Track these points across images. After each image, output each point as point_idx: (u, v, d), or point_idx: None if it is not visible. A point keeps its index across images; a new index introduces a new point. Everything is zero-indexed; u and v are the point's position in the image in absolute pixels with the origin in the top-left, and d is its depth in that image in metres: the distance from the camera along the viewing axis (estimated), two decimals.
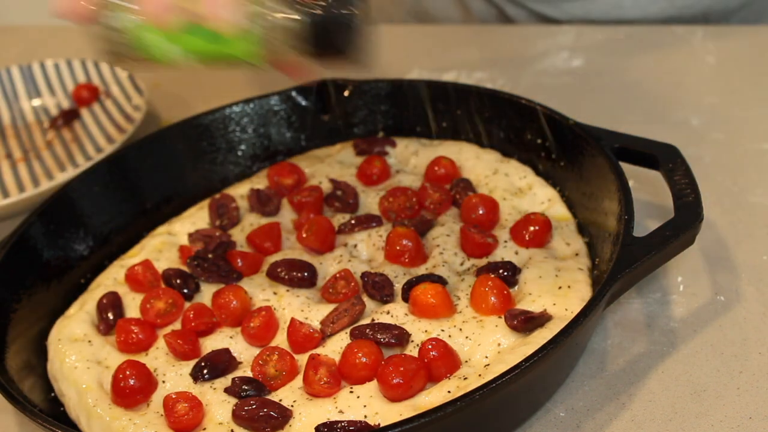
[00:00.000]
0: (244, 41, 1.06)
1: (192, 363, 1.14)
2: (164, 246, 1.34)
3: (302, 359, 1.11)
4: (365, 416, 1.02)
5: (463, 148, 1.41)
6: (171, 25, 1.04)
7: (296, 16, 1.03)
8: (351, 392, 1.05)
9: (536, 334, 1.08)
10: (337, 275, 1.21)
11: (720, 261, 1.25)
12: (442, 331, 1.10)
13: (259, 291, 1.23)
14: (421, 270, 1.22)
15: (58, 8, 1.07)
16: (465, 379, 1.04)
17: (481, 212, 1.27)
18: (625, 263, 1.05)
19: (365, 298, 1.18)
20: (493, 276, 1.16)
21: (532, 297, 1.14)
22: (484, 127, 1.42)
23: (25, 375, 1.18)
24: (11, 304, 1.23)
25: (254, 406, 1.04)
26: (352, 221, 1.31)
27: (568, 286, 1.14)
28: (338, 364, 1.08)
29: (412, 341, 1.10)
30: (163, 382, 1.13)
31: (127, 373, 1.11)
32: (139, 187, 1.44)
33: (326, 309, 1.17)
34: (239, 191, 1.43)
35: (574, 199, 1.29)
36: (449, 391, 1.02)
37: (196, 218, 1.39)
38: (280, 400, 1.06)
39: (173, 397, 1.08)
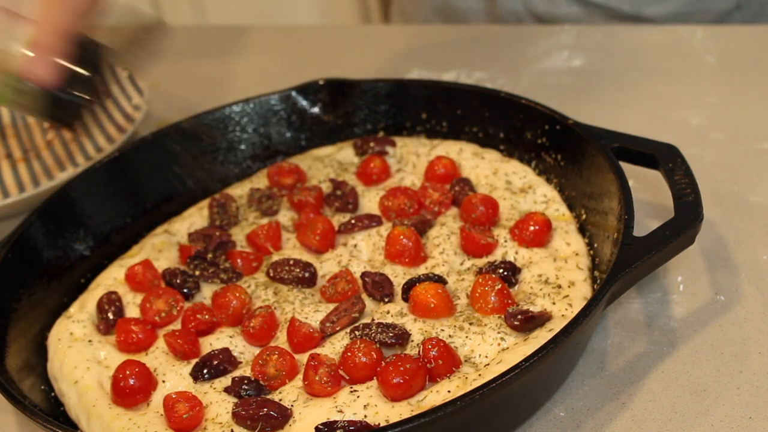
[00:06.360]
0: None
1: (192, 363, 1.14)
2: (164, 246, 1.34)
3: (302, 359, 1.11)
4: (365, 416, 1.02)
5: (463, 148, 1.41)
6: None
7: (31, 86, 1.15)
8: (351, 392, 1.05)
9: (536, 334, 1.08)
10: (337, 275, 1.21)
11: (720, 261, 1.25)
12: (442, 330, 1.10)
13: (259, 291, 1.23)
14: (421, 270, 1.22)
15: None
16: (465, 378, 1.04)
17: (481, 212, 1.27)
18: (625, 263, 1.05)
19: (365, 298, 1.18)
20: (493, 276, 1.16)
21: (532, 297, 1.14)
22: (484, 127, 1.42)
23: (25, 375, 1.18)
24: (11, 303, 1.23)
25: (254, 406, 1.04)
26: (352, 221, 1.30)
27: (568, 286, 1.14)
28: (338, 364, 1.08)
29: (412, 341, 1.10)
30: (163, 381, 1.13)
31: (127, 372, 1.11)
32: (139, 187, 1.44)
33: (326, 309, 1.17)
34: (239, 191, 1.43)
35: (574, 198, 1.29)
36: (449, 391, 1.02)
37: (196, 218, 1.39)
38: (280, 400, 1.06)
39: (173, 396, 1.08)
